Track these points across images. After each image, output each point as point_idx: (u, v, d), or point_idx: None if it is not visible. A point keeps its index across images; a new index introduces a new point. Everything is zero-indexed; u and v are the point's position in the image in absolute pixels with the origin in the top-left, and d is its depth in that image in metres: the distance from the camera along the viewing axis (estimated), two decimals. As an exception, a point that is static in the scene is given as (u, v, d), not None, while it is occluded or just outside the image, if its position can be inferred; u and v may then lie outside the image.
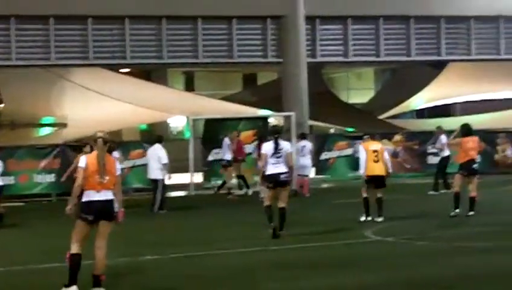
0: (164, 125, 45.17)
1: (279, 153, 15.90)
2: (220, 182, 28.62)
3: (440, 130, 27.33)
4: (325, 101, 40.13)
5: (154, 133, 43.24)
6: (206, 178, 30.30)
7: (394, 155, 31.82)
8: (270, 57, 32.31)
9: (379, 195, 18.21)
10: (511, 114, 41.27)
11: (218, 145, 29.39)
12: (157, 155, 22.49)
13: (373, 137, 19.00)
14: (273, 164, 15.86)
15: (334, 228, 17.25)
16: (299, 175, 26.16)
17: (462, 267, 12.15)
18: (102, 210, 10.78)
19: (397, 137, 32.10)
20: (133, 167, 29.06)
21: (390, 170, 18.90)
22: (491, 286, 10.83)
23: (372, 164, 18.25)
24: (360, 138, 33.06)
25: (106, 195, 10.82)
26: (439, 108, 46.68)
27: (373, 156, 18.30)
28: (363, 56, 33.89)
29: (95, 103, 33.34)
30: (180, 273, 12.56)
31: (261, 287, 11.22)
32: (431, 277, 11.45)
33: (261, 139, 24.27)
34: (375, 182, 18.27)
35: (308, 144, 27.60)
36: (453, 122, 42.82)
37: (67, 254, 10.77)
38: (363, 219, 18.00)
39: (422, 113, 48.66)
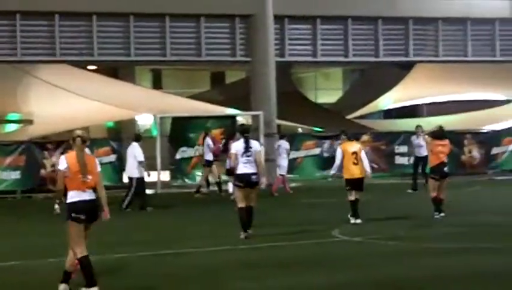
0: (131, 123, 44.90)
1: (249, 152, 15.69)
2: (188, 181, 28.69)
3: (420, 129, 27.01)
4: (293, 101, 40.12)
5: (122, 131, 43.09)
6: (173, 176, 30.21)
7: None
8: (238, 56, 32.25)
9: (357, 197, 17.82)
10: (477, 115, 41.53)
11: (186, 143, 29.27)
12: (133, 153, 22.57)
13: (350, 138, 18.50)
14: (243, 163, 15.65)
15: (301, 228, 17.22)
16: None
17: (430, 268, 12.16)
18: (90, 210, 10.63)
19: (365, 137, 32.21)
20: (100, 164, 28.78)
21: (369, 171, 18.37)
22: (458, 286, 10.85)
23: (351, 167, 17.75)
24: (328, 137, 33.48)
25: (91, 195, 10.69)
26: (406, 109, 46.83)
27: (352, 158, 17.76)
28: (331, 56, 33.95)
29: (61, 100, 33.04)
30: (150, 272, 12.48)
31: (229, 286, 11.19)
32: (398, 278, 11.46)
33: (229, 137, 24.28)
34: (354, 184, 17.79)
35: (284, 144, 27.71)
36: (420, 123, 43.09)
37: (75, 261, 10.59)
38: (353, 221, 17.56)
39: (389, 114, 48.80)
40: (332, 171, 18.27)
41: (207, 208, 23.07)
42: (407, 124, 40.49)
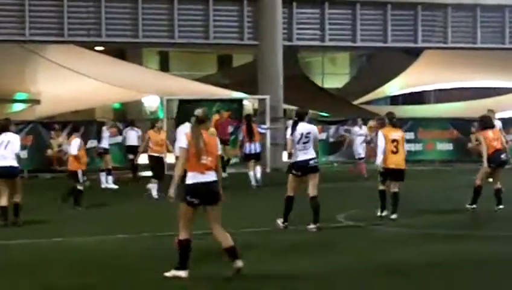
0: (138, 104, 44.96)
1: (307, 138, 14.68)
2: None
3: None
4: (299, 85, 40.09)
5: (128, 113, 43.10)
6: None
7: (368, 141, 31.89)
8: (246, 40, 32.19)
9: (395, 189, 15.97)
10: (485, 103, 41.42)
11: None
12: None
13: (394, 124, 16.26)
14: (300, 150, 14.66)
15: (306, 212, 17.18)
16: None
17: (433, 254, 12.15)
18: (208, 193, 10.25)
19: (371, 123, 32.10)
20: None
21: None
22: (456, 272, 10.85)
23: (390, 155, 15.90)
24: (334, 122, 33.41)
25: (211, 176, 10.29)
26: (413, 95, 46.84)
27: (392, 146, 15.93)
28: (339, 41, 33.86)
29: (69, 81, 33.08)
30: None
31: (229, 268, 11.02)
32: (397, 263, 11.42)
33: (247, 120, 24.10)
34: (393, 175, 16.00)
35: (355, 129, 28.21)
36: (427, 110, 43.06)
37: (175, 240, 10.38)
38: (379, 213, 16.12)
39: (396, 100, 48.79)
40: (378, 160, 16.08)
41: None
42: (413, 110, 40.51)
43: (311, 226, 14.51)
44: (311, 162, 14.70)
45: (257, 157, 23.44)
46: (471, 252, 12.38)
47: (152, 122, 22.40)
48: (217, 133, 26.33)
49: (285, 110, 35.19)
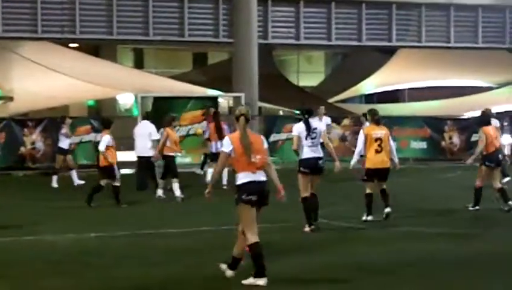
0: (112, 102, 44.76)
1: (314, 133, 14.26)
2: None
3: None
4: (275, 83, 40.06)
5: (103, 110, 42.89)
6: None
7: (342, 139, 32.02)
8: (221, 37, 32.19)
9: (384, 186, 15.54)
10: (458, 102, 41.68)
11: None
12: (148, 131, 21.73)
13: (377, 121, 15.67)
14: (308, 147, 14.27)
15: (280, 211, 17.16)
16: None
17: (412, 251, 12.21)
18: (261, 192, 10.03)
19: (346, 121, 32.29)
20: (80, 142, 28.75)
21: (396, 159, 15.91)
22: (432, 271, 10.89)
23: (374, 155, 15.32)
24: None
25: (261, 176, 10.10)
26: (388, 94, 46.95)
27: (375, 145, 15.36)
28: (314, 39, 33.93)
29: (43, 77, 32.87)
30: (127, 253, 12.44)
31: (208, 268, 11.02)
32: (368, 262, 11.45)
33: (215, 118, 23.53)
34: (378, 175, 15.46)
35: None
36: (402, 108, 43.21)
37: (245, 248, 10.10)
38: (364, 218, 15.42)
39: (371, 98, 48.92)
40: (354, 159, 15.73)
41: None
42: (388, 108, 40.58)
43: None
44: (319, 162, 14.32)
45: None
46: (451, 250, 12.44)
47: (169, 119, 20.58)
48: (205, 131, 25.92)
49: (260, 108, 35.19)
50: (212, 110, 24.54)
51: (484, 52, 37.17)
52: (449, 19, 34.96)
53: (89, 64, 36.06)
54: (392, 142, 15.73)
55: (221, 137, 22.79)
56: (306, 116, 14.38)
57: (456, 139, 33.30)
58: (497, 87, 43.35)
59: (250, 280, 9.94)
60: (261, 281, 9.87)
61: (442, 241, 13.31)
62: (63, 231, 14.42)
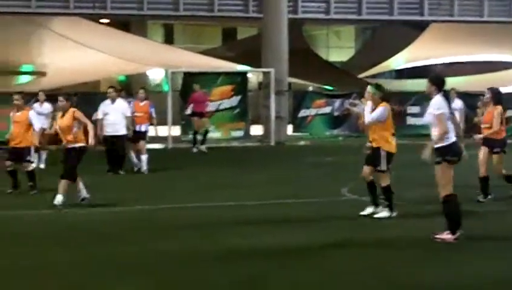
0: (142, 77, 44.93)
1: (452, 113, 10.92)
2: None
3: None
4: (304, 59, 40.02)
5: (133, 85, 43.05)
6: (184, 131, 30.18)
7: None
8: (250, 12, 32.16)
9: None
10: (491, 77, 41.34)
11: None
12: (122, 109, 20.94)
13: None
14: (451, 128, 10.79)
15: (310, 186, 17.19)
16: None
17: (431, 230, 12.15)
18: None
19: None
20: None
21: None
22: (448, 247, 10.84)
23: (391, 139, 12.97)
24: (339, 96, 33.31)
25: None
26: (418, 69, 46.68)
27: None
28: (344, 14, 33.80)
29: (74, 53, 33.08)
30: (142, 225, 12.44)
31: (225, 242, 11.01)
32: (394, 238, 11.37)
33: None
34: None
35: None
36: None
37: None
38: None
39: (401, 74, 48.69)
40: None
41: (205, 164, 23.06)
42: (419, 84, 40.38)
43: None
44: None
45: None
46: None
47: None
48: (194, 107, 25.68)
49: (289, 84, 35.16)
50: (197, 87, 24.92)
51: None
52: (482, -8, 34.68)
53: (120, 40, 36.24)
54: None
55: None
56: (444, 88, 10.90)
57: (488, 115, 33.05)
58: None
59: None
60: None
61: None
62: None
